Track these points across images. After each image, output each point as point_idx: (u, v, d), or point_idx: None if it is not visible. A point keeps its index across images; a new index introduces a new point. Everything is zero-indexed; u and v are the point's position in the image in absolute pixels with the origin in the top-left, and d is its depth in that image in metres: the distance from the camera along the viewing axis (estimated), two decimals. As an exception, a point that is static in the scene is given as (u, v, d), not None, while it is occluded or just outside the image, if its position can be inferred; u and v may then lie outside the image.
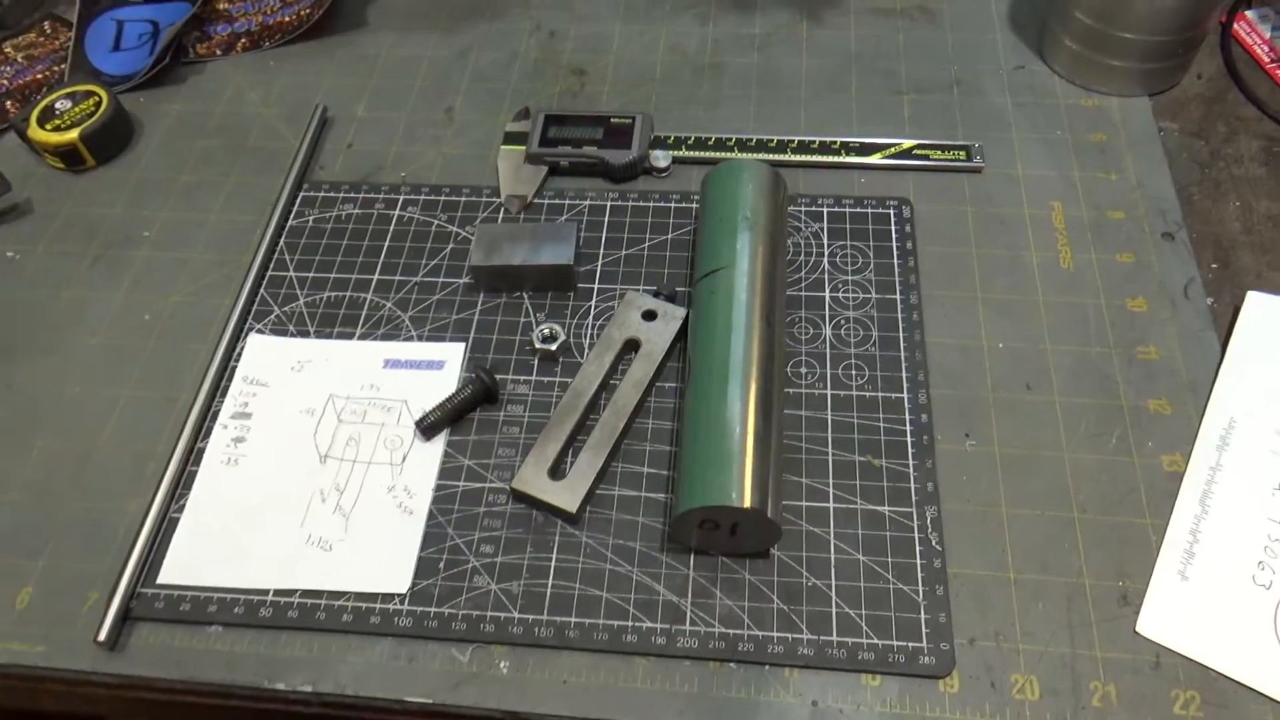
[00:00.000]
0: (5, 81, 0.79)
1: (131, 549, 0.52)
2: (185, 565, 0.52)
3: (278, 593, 0.51)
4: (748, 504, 0.46)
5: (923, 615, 0.48)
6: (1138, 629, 0.48)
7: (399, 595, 0.50)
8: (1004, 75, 0.73)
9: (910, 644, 0.47)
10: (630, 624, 0.49)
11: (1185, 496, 0.51)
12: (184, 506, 0.54)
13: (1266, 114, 0.69)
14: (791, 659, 0.47)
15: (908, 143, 0.67)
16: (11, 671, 0.50)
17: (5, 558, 0.53)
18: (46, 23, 0.84)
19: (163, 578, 0.51)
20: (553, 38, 0.78)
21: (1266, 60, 0.73)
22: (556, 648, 0.48)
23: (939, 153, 0.67)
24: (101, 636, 0.49)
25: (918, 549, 0.50)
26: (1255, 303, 0.58)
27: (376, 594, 0.50)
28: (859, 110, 0.71)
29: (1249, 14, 0.76)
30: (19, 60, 0.81)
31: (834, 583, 0.49)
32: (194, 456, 0.56)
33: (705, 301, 0.54)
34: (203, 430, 0.57)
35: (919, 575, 0.49)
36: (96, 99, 0.72)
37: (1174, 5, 0.64)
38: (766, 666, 0.47)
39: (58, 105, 0.72)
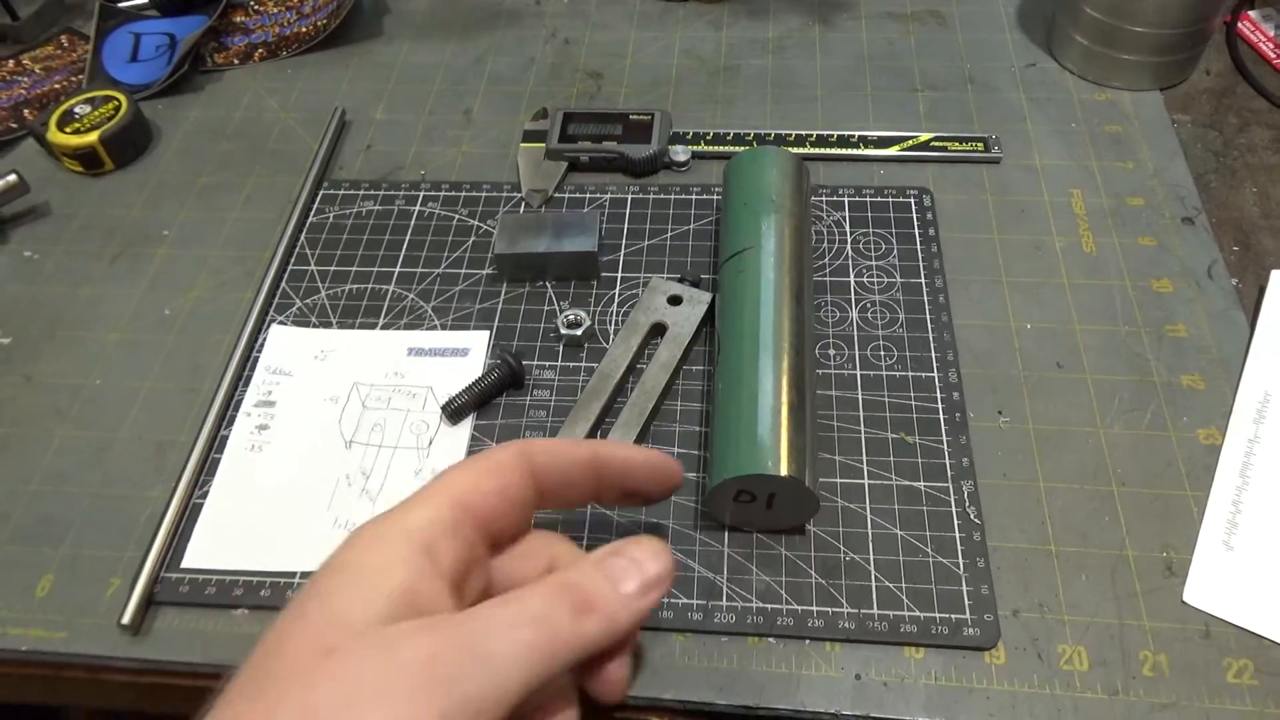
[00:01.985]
0: (23, 91, 0.79)
1: (155, 533, 0.51)
2: (210, 549, 0.51)
3: (304, 575, 0.49)
4: (785, 473, 0.45)
5: (964, 588, 0.47)
6: (1185, 599, 0.47)
7: (429, 576, 0.49)
8: (1016, 72, 0.73)
9: (953, 616, 0.46)
10: (666, 600, 0.48)
11: (1224, 468, 0.51)
12: (208, 493, 0.53)
13: (1276, 105, 0.70)
14: (832, 633, 0.46)
15: (925, 135, 0.68)
16: (32, 659, 0.48)
17: (26, 547, 0.52)
18: (64, 36, 0.84)
19: (187, 562, 0.50)
20: (568, 44, 0.79)
21: (1272, 56, 0.74)
22: (591, 626, 0.47)
23: (957, 144, 0.67)
24: (125, 619, 0.47)
25: (956, 523, 0.49)
26: (1280, 281, 0.58)
27: (406, 575, 0.49)
28: (875, 107, 0.72)
29: (1252, 14, 0.77)
30: (37, 71, 0.81)
31: (872, 557, 0.49)
32: (217, 444, 0.55)
33: (732, 281, 0.54)
34: (226, 419, 0.56)
35: (959, 549, 0.49)
36: (116, 103, 0.72)
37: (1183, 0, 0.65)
38: (807, 641, 0.46)
39: (77, 109, 0.72)
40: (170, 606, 0.49)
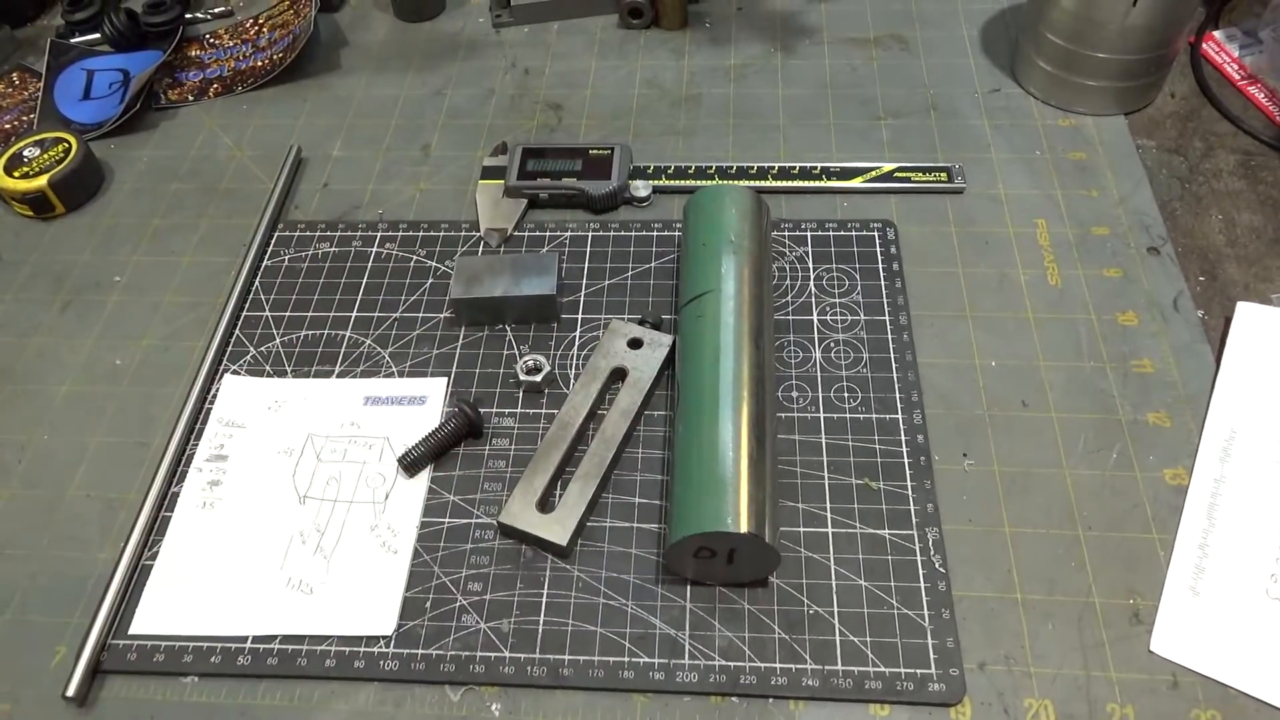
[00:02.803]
0: (-28, 132, 0.77)
1: (102, 599, 0.49)
2: (159, 614, 0.49)
3: (256, 639, 0.48)
4: (744, 529, 0.44)
5: (930, 640, 0.46)
6: (1152, 648, 0.46)
7: (384, 638, 0.48)
8: (980, 98, 0.73)
9: (918, 671, 0.45)
10: (626, 660, 0.47)
11: (1191, 510, 0.50)
12: (157, 554, 0.52)
13: (1241, 129, 0.70)
14: (796, 690, 0.45)
15: (888, 166, 0.67)
16: (-28, 734, 0.47)
17: (-33, 614, 0.51)
18: (15, 74, 0.83)
19: (135, 628, 0.49)
20: (528, 75, 0.78)
21: (1237, 78, 0.73)
22: (550, 687, 0.46)
23: (920, 175, 0.67)
24: (70, 691, 0.46)
25: (921, 572, 0.49)
26: (1246, 314, 0.58)
27: (360, 637, 0.48)
28: (837, 136, 0.71)
29: (1216, 34, 0.77)
30: (-13, 110, 0.79)
31: (836, 610, 0.48)
32: (168, 502, 0.54)
33: (692, 326, 0.53)
34: (177, 474, 0.55)
35: (924, 599, 0.48)
36: (65, 145, 0.71)
37: (1144, 24, 0.65)
38: (770, 700, 0.45)
39: (26, 153, 0.70)
40: (118, 675, 0.48)
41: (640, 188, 0.66)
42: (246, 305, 0.63)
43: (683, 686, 0.46)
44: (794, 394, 0.56)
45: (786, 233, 0.64)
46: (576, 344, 0.59)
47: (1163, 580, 0.48)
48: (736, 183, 0.66)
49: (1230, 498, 0.50)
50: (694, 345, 0.52)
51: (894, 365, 0.57)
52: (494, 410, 0.56)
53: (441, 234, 0.66)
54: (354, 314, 0.62)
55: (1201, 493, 0.51)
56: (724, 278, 0.54)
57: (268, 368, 0.59)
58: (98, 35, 0.84)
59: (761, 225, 0.58)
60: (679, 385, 0.52)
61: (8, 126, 0.78)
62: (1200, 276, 0.61)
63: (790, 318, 0.59)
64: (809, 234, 0.64)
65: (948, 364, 0.57)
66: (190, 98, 0.79)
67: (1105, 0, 0.64)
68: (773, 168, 0.67)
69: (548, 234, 0.65)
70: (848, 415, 0.55)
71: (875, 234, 0.63)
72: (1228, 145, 0.69)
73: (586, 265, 0.63)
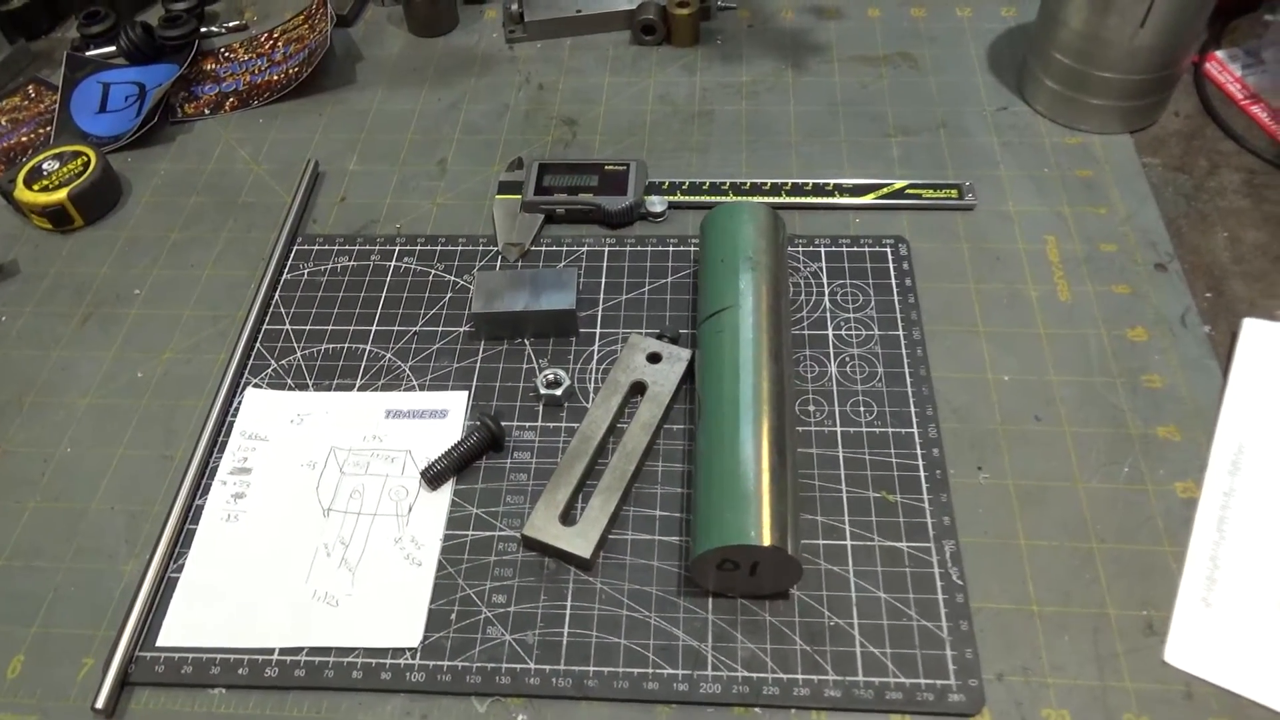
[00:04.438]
0: (-11, 144, 0.78)
1: (129, 611, 0.50)
2: (186, 626, 0.50)
3: (283, 651, 0.49)
4: (768, 542, 0.45)
5: (949, 651, 0.47)
6: (1165, 659, 0.47)
7: (410, 650, 0.49)
8: (988, 116, 0.74)
9: (938, 682, 0.46)
10: (650, 671, 0.47)
11: (1201, 523, 0.51)
12: (183, 566, 0.52)
13: (1245, 148, 0.71)
14: (818, 701, 0.46)
15: (899, 183, 0.68)
16: (3, 745, 0.47)
17: (-4, 625, 0.51)
18: (31, 86, 0.83)
19: (162, 640, 0.49)
20: (542, 90, 0.79)
21: (1240, 97, 0.75)
22: (575, 698, 0.47)
23: (931, 192, 0.68)
24: (99, 704, 0.47)
25: (939, 584, 0.50)
26: (1252, 329, 0.59)
27: (387, 649, 0.49)
28: (849, 153, 0.72)
29: (1219, 54, 0.78)
30: (3, 124, 0.80)
31: (856, 621, 0.48)
32: (192, 514, 0.54)
33: (711, 341, 0.54)
34: (201, 487, 0.55)
35: (942, 611, 0.49)
36: (84, 159, 0.71)
37: (1151, 45, 0.66)
38: (793, 710, 0.46)
39: (45, 166, 0.71)
40: (145, 687, 0.48)
41: (656, 203, 0.67)
42: (267, 319, 0.63)
43: (706, 698, 0.47)
44: (811, 408, 0.57)
45: (801, 248, 0.65)
46: (595, 358, 0.60)
47: (1175, 592, 0.49)
48: (751, 199, 0.67)
49: (1239, 510, 0.51)
50: (714, 360, 0.53)
51: (908, 380, 0.58)
52: (515, 424, 0.57)
53: (459, 248, 0.67)
54: (374, 328, 0.63)
55: (1211, 506, 0.52)
56: (742, 294, 0.55)
57: (289, 381, 0.60)
58: (113, 48, 0.84)
59: (778, 241, 0.59)
60: (700, 400, 0.53)
61: (25, 139, 0.79)
62: (1207, 293, 0.62)
63: (806, 333, 0.60)
64: (823, 249, 0.65)
65: (961, 378, 0.58)
66: (206, 111, 0.80)
67: (1113, 20, 0.65)
68: (786, 184, 0.68)
69: (564, 249, 0.66)
70: (864, 429, 0.56)
71: (888, 250, 0.64)
72: (1231, 164, 0.70)
73: (603, 280, 0.64)
